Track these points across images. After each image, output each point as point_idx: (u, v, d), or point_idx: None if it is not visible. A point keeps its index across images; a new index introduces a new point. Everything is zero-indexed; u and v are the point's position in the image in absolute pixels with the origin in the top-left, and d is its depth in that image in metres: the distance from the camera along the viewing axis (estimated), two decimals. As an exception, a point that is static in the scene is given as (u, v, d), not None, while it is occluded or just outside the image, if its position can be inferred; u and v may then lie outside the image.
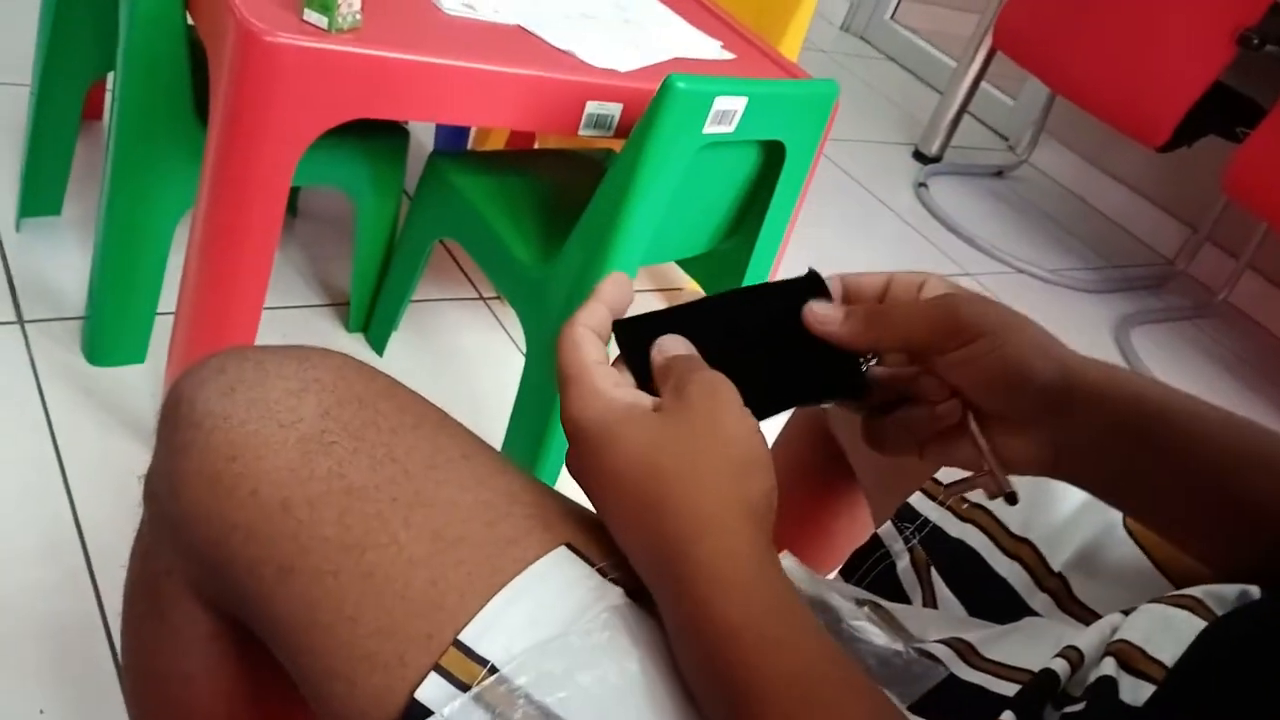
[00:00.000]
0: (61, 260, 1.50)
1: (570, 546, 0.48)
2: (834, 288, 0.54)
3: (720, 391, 0.46)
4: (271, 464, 0.48)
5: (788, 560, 0.59)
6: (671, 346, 0.49)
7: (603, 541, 0.49)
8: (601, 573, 0.48)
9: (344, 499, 0.48)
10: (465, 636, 0.45)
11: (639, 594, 0.48)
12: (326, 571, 0.47)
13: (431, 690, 0.44)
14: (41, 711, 0.98)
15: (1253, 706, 0.39)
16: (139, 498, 1.23)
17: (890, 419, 0.53)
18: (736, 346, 0.51)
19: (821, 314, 0.51)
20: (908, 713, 0.49)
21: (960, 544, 0.63)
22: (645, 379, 0.50)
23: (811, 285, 0.53)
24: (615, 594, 0.47)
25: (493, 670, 0.44)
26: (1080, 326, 2.43)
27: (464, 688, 0.44)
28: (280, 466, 0.48)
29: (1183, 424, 0.50)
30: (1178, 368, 2.41)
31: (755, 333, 0.52)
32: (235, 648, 0.58)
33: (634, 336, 0.51)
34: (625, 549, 0.47)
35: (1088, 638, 0.49)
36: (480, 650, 0.44)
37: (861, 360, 0.53)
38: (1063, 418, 0.50)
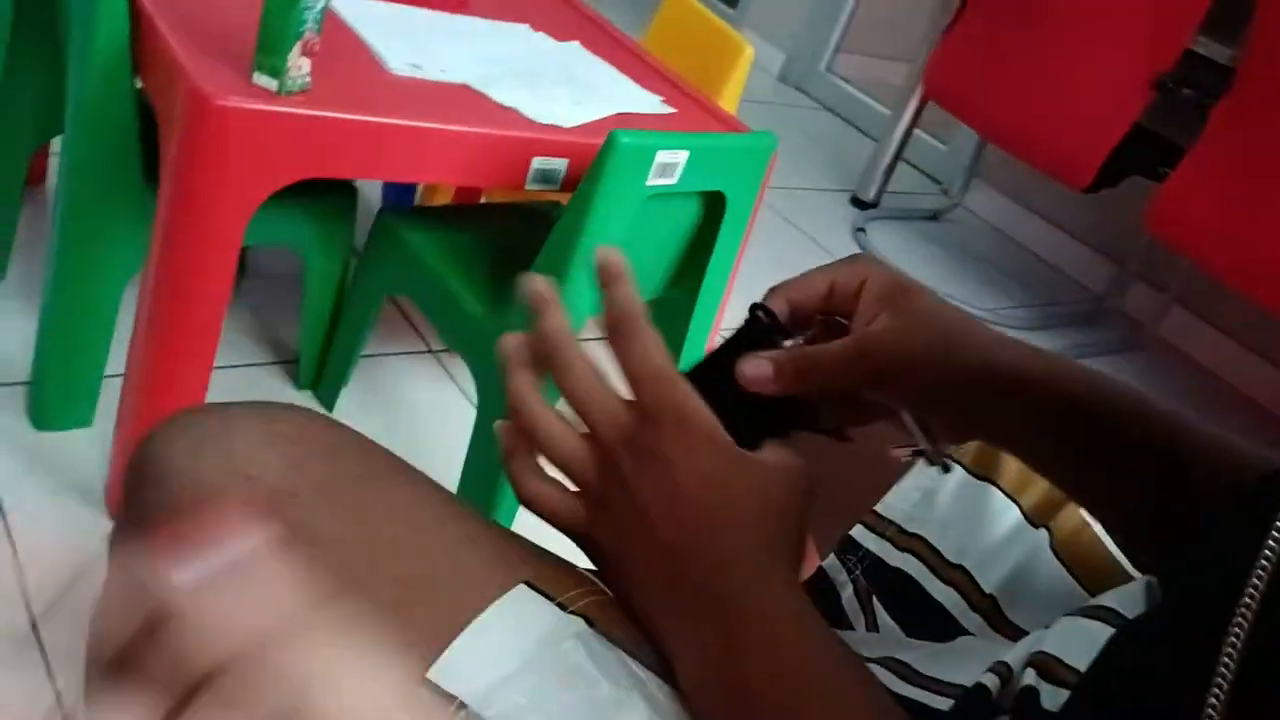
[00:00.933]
0: (5, 325, 1.49)
1: (529, 583, 0.50)
2: (779, 308, 0.57)
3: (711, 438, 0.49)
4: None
5: None
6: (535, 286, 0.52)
7: (561, 574, 0.51)
8: (561, 606, 0.49)
9: (311, 549, 0.49)
10: (433, 675, 0.46)
11: (601, 626, 0.49)
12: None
13: None
14: (58, 692, 0.96)
15: (1153, 704, 0.42)
16: (87, 560, 1.21)
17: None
18: (725, 402, 0.53)
19: (753, 375, 0.55)
20: None
21: (899, 572, 0.66)
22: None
23: (757, 332, 0.56)
24: (577, 624, 0.49)
25: (461, 706, 0.45)
26: (1018, 363, 2.49)
27: None
28: (245, 519, 0.49)
29: (1101, 408, 0.55)
30: (1112, 400, 2.48)
31: (723, 397, 0.55)
32: None
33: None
34: (623, 591, 0.50)
35: (1015, 653, 0.51)
36: (448, 688, 0.46)
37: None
38: (989, 404, 0.55)
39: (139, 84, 1.18)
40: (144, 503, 0.52)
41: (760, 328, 0.57)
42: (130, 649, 0.28)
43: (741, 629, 0.45)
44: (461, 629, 0.47)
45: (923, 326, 0.55)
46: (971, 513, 0.65)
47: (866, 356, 0.54)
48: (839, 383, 0.54)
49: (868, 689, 0.46)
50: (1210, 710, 0.36)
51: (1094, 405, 0.54)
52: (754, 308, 0.58)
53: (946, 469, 0.56)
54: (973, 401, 0.54)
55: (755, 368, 0.55)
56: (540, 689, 0.46)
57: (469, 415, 1.65)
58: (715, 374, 0.56)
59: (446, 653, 0.46)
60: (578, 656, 0.47)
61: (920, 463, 0.59)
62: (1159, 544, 0.55)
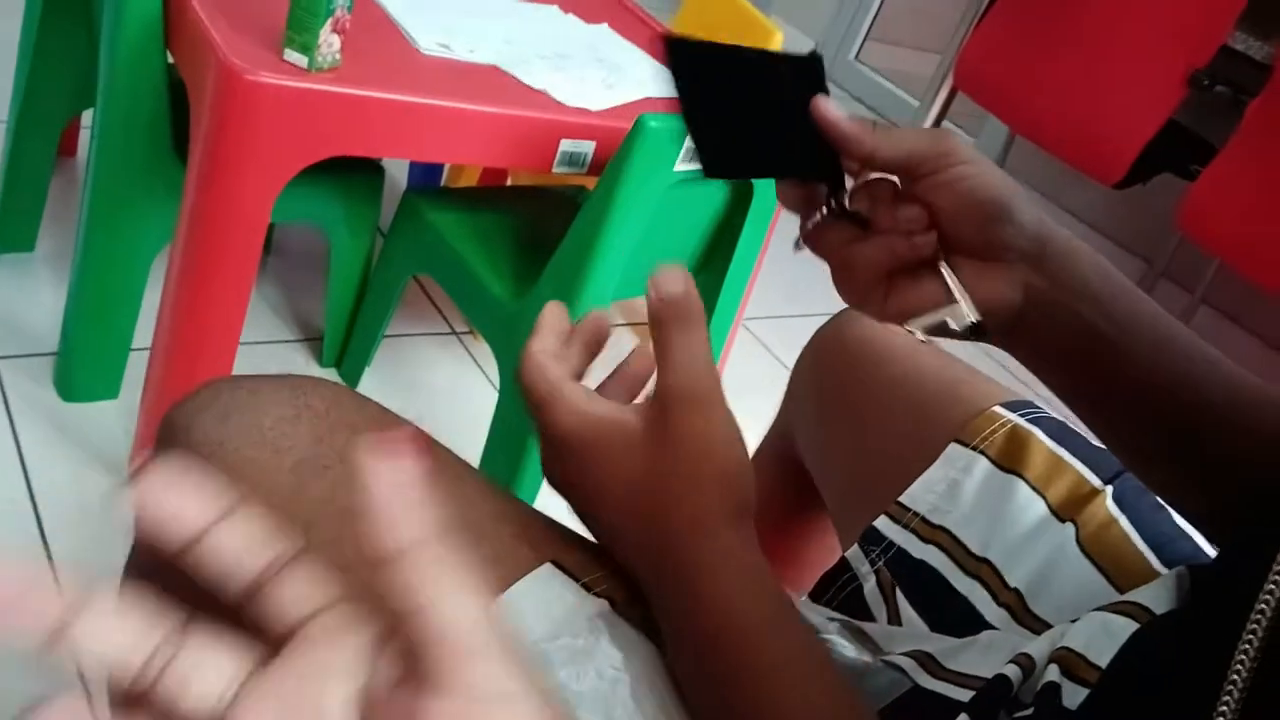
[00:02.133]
0: (34, 296, 1.50)
1: (555, 563, 0.50)
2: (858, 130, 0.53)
3: (704, 396, 0.47)
4: (267, 488, 0.50)
5: None
6: (668, 286, 0.47)
7: (586, 559, 0.51)
8: (586, 587, 0.49)
9: (338, 521, 0.49)
10: None
11: (623, 607, 0.49)
12: None
13: None
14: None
15: (1168, 703, 0.41)
16: (110, 530, 1.22)
17: (862, 253, 0.52)
18: (739, 104, 0.51)
19: (830, 105, 0.52)
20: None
21: (923, 564, 0.66)
22: (694, 106, 0.50)
23: (815, 67, 0.54)
24: (600, 604, 0.49)
25: None
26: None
27: None
28: (275, 490, 0.50)
29: (1149, 318, 0.53)
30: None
31: (759, 97, 0.52)
32: None
33: (682, 61, 0.51)
34: (618, 553, 0.49)
35: (1037, 645, 0.51)
36: None
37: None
38: (1034, 266, 0.52)
39: (170, 58, 1.18)
40: None
41: (819, 65, 0.54)
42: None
43: (691, 582, 0.46)
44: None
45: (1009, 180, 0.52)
46: (997, 505, 0.65)
47: (940, 137, 0.50)
48: (903, 152, 0.51)
49: (807, 627, 0.46)
50: (1223, 711, 0.36)
51: (1153, 322, 0.53)
52: (814, 53, 0.55)
53: (978, 332, 0.51)
54: (1040, 257, 0.51)
55: (831, 107, 0.52)
56: (557, 661, 0.46)
57: (491, 397, 1.65)
58: (766, 73, 0.53)
59: None
60: (599, 632, 0.47)
61: (945, 325, 0.52)
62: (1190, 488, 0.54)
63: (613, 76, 1.38)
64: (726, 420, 0.47)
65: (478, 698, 0.26)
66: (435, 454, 0.55)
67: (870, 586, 0.67)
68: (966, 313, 0.51)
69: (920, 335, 0.53)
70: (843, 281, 0.54)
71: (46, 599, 0.26)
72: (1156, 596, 0.51)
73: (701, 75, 0.51)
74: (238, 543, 0.29)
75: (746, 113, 0.52)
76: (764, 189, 1.32)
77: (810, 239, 0.54)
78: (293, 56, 1.06)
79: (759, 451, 0.96)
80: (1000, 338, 0.54)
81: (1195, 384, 0.52)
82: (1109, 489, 0.64)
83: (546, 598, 0.48)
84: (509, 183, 1.88)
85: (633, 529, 0.47)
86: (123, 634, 0.27)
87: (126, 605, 0.27)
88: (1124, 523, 0.63)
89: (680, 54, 0.51)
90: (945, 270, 0.51)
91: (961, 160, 0.50)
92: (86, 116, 1.50)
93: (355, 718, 0.27)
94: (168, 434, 0.53)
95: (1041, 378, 0.56)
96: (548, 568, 0.50)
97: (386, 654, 0.28)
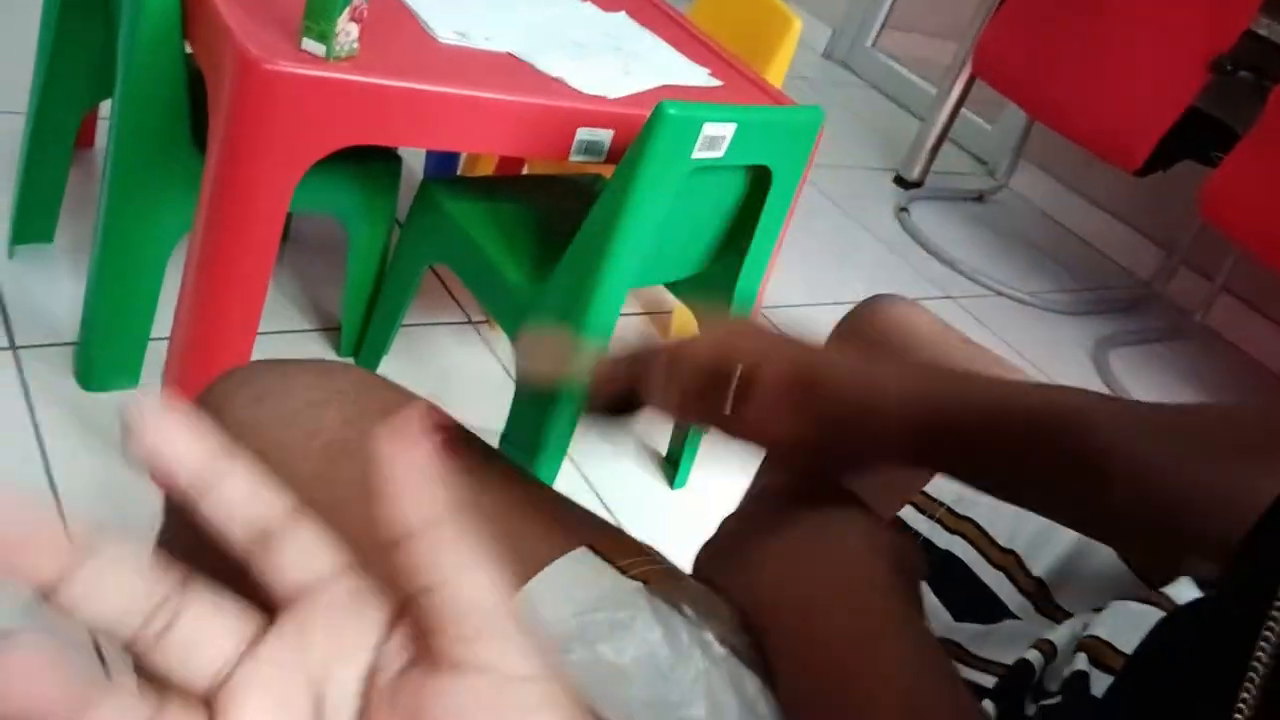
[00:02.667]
0: (54, 287, 1.50)
1: (591, 547, 0.50)
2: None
3: None
4: (298, 469, 0.50)
5: None
6: None
7: (620, 543, 0.51)
8: (621, 571, 0.49)
9: (367, 503, 0.49)
10: None
11: (657, 589, 0.49)
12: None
13: None
14: None
15: (1189, 694, 0.41)
16: (131, 518, 1.22)
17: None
18: None
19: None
20: None
21: (948, 555, 0.65)
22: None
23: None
24: (636, 584, 0.49)
25: None
26: (1058, 348, 2.47)
27: None
28: (306, 472, 0.50)
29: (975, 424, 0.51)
30: (1154, 389, 2.44)
31: None
32: None
33: None
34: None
35: (1059, 632, 0.51)
36: None
37: None
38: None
39: (188, 49, 1.18)
40: None
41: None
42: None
43: None
44: (521, 584, 0.47)
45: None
46: None
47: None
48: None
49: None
50: (1241, 704, 0.36)
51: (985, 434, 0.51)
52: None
53: None
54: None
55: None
56: (594, 635, 0.46)
57: (507, 387, 1.65)
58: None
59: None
60: (638, 606, 0.47)
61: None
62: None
63: (630, 64, 1.37)
64: None
65: (492, 678, 0.25)
66: (467, 440, 0.55)
67: (895, 577, 0.66)
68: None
69: None
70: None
71: (51, 546, 0.26)
72: (1183, 586, 0.50)
73: None
74: (244, 490, 0.28)
75: None
76: (783, 178, 1.31)
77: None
78: (310, 45, 1.06)
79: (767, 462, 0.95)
80: None
81: (1084, 450, 0.50)
82: None
83: (583, 577, 0.49)
84: (525, 172, 1.88)
85: None
86: (121, 591, 0.26)
87: (128, 562, 0.26)
88: None
89: None
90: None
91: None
92: (104, 108, 1.51)
93: (360, 698, 0.26)
94: (201, 414, 0.54)
95: None
96: (583, 550, 0.50)
97: (397, 634, 0.27)
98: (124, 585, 0.26)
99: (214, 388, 0.54)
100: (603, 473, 1.54)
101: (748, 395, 0.50)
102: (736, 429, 0.51)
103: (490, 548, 0.28)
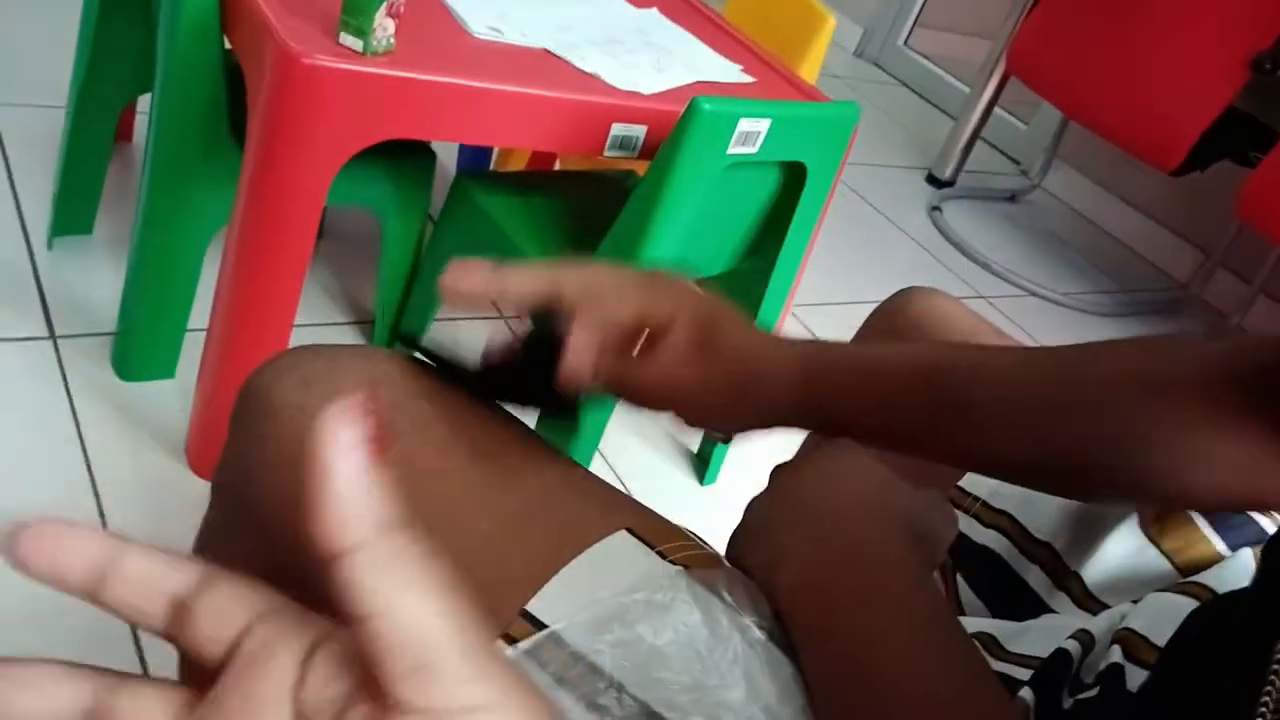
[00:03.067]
0: (93, 278, 1.52)
1: (630, 530, 0.50)
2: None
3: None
4: None
5: None
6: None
7: (659, 528, 0.51)
8: (661, 555, 0.50)
9: (413, 484, 0.50)
10: (531, 607, 0.46)
11: (697, 573, 0.49)
12: None
13: None
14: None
15: (1218, 686, 0.40)
16: (167, 508, 1.24)
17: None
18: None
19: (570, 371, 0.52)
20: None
21: (984, 550, 0.65)
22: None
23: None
24: (676, 569, 0.49)
25: (551, 635, 0.46)
26: (1095, 349, 2.44)
27: None
28: None
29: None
30: (1192, 391, 2.41)
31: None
32: None
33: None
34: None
35: (1097, 623, 0.50)
36: (543, 618, 0.46)
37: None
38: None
39: (227, 43, 1.19)
40: (253, 433, 0.53)
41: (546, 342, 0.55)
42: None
43: None
44: (560, 567, 0.48)
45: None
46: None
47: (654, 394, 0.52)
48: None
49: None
50: (1266, 698, 0.35)
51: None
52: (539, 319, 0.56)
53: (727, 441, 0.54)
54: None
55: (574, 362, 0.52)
56: (632, 618, 0.46)
57: (538, 382, 1.65)
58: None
59: (547, 586, 0.47)
60: (678, 589, 0.47)
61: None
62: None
63: (663, 60, 1.37)
64: None
65: (440, 717, 0.23)
66: (504, 424, 0.55)
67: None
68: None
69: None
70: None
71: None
72: (1221, 578, 0.50)
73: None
74: (141, 570, 0.26)
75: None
76: (818, 174, 1.31)
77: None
78: (348, 40, 1.06)
79: (809, 436, 0.95)
80: None
81: (977, 402, 0.50)
82: None
83: (623, 560, 0.49)
84: (557, 167, 1.88)
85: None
86: (46, 699, 0.25)
87: (44, 667, 0.25)
88: None
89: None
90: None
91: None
92: (143, 102, 1.53)
93: None
94: (248, 398, 0.54)
95: None
96: (622, 534, 0.50)
97: (325, 663, 0.25)
98: (43, 699, 0.25)
99: (260, 372, 0.54)
100: (633, 467, 1.54)
101: (653, 350, 0.51)
102: (638, 386, 0.52)
103: (440, 565, 0.25)
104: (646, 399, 0.52)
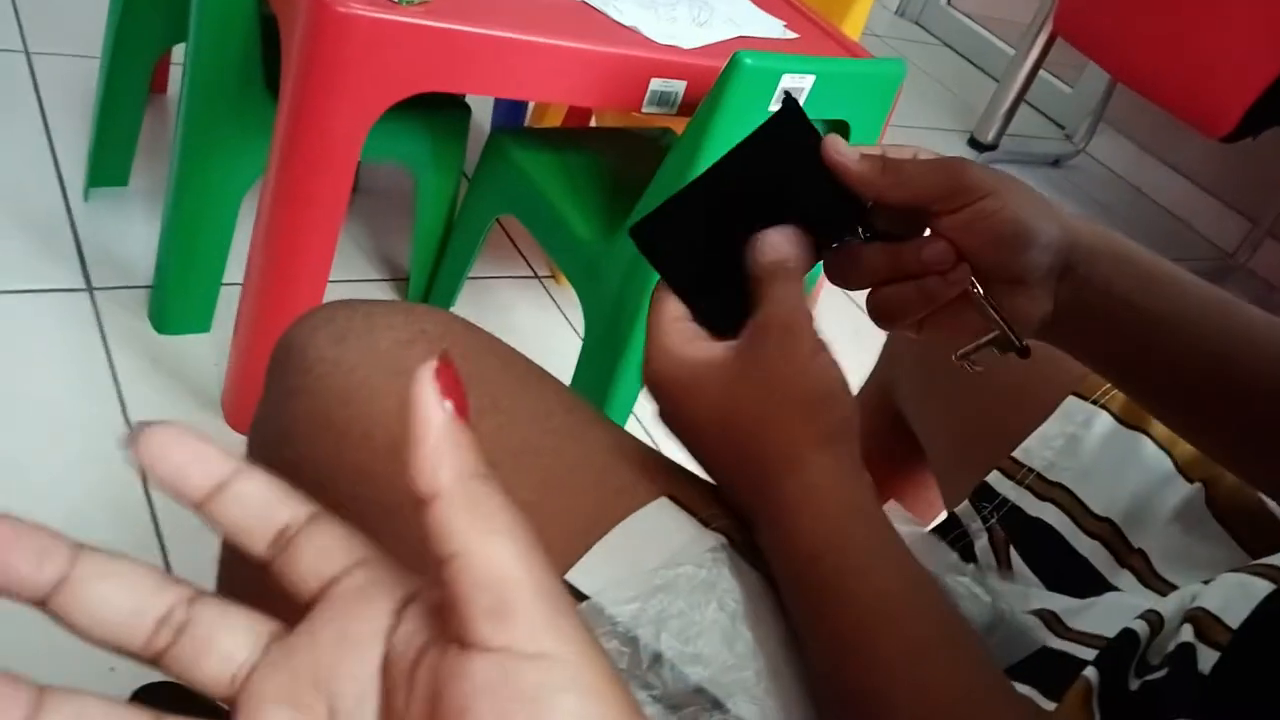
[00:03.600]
0: (129, 230, 1.52)
1: (672, 498, 0.49)
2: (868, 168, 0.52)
3: (793, 326, 0.47)
4: (383, 408, 0.49)
5: (892, 510, 0.59)
6: (772, 253, 0.49)
7: (702, 494, 0.50)
8: (703, 522, 0.48)
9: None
10: (571, 577, 0.45)
11: (739, 544, 0.48)
12: None
13: None
14: (111, 669, 1.00)
15: None
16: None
17: (896, 296, 0.52)
18: (749, 213, 0.51)
19: (840, 148, 0.51)
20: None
21: (1039, 522, 0.63)
22: (682, 282, 0.50)
23: (795, 115, 0.53)
24: (718, 539, 0.47)
25: (587, 601, 0.45)
26: (1137, 318, 2.39)
27: None
28: (391, 411, 0.49)
29: (1170, 291, 0.52)
30: (1237, 362, 2.36)
31: (762, 191, 0.51)
32: None
33: (653, 238, 0.51)
34: (723, 488, 0.49)
35: (1168, 604, 0.49)
36: (584, 589, 0.45)
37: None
38: (1060, 278, 0.51)
39: (262, -8, 1.18)
40: (287, 387, 0.52)
41: (796, 109, 0.53)
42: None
43: (780, 519, 0.45)
44: (601, 534, 0.46)
45: (999, 172, 0.51)
46: (1120, 463, 0.62)
47: (955, 172, 0.49)
48: (920, 193, 0.49)
49: (900, 565, 0.44)
50: None
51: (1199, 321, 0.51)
52: (788, 99, 0.54)
53: (1024, 353, 0.51)
54: (1066, 267, 0.50)
55: (841, 142, 0.51)
56: (673, 593, 0.45)
57: (572, 341, 1.64)
58: (754, 165, 0.51)
59: (587, 555, 0.46)
60: (719, 564, 0.46)
61: (991, 351, 0.52)
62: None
63: (704, 14, 1.34)
64: (813, 346, 0.46)
65: (513, 658, 0.23)
66: (542, 384, 0.54)
67: (982, 544, 0.64)
68: (1012, 339, 0.51)
69: (968, 366, 0.53)
70: (880, 318, 0.53)
71: (45, 547, 0.25)
72: None
73: (681, 238, 0.51)
74: (257, 495, 0.27)
75: (761, 216, 0.51)
76: (861, 133, 1.28)
77: (839, 271, 0.53)
78: (384, -11, 1.04)
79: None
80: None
81: (1238, 357, 0.51)
82: None
83: (664, 529, 0.47)
84: (592, 124, 1.85)
85: (731, 466, 0.47)
86: (125, 597, 0.26)
87: (130, 569, 0.26)
88: None
89: (648, 237, 0.51)
90: (983, 301, 0.51)
91: (979, 194, 0.49)
92: (177, 53, 1.51)
93: (379, 688, 0.25)
94: (284, 352, 0.53)
95: (1089, 367, 0.56)
96: (664, 500, 0.48)
97: (417, 615, 0.26)
98: (128, 591, 0.26)
99: (296, 326, 0.53)
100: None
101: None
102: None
103: (523, 512, 0.26)
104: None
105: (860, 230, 0.52)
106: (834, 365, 0.47)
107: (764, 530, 0.46)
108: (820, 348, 0.47)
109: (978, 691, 0.41)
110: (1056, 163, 3.10)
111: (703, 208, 0.51)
